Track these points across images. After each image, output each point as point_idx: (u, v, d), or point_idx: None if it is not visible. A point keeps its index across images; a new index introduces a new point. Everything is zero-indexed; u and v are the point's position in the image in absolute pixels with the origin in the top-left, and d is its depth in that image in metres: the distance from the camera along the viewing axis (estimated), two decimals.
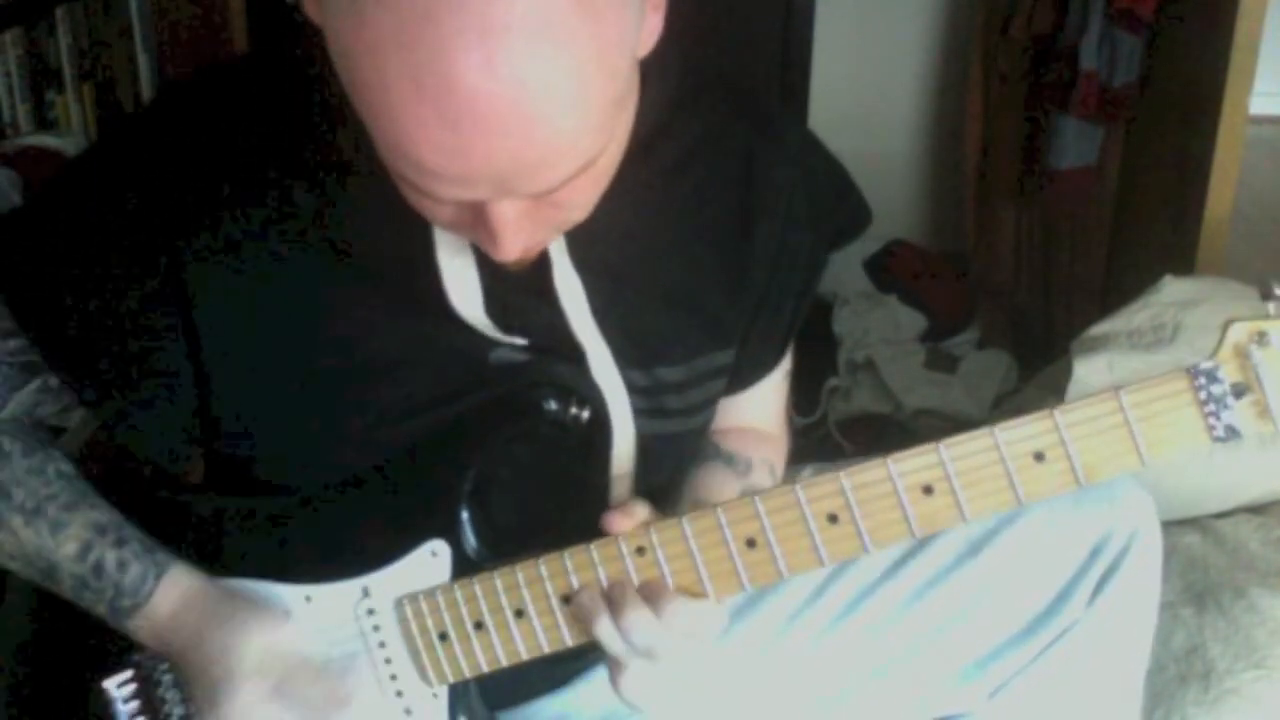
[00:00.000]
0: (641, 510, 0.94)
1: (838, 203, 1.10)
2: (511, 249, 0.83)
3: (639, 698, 0.96)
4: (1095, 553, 1.10)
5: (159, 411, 0.98)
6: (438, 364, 0.97)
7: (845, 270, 2.79)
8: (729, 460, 1.10)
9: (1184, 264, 2.06)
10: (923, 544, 1.12)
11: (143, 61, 2.54)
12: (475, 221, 0.82)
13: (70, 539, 0.99)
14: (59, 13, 2.46)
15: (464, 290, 0.95)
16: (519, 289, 0.96)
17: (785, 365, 1.16)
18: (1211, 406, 0.84)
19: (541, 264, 0.96)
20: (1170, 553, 1.13)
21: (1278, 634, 1.45)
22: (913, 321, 2.70)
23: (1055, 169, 2.43)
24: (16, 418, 1.02)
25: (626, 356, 0.99)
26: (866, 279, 2.80)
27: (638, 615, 0.92)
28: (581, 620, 0.94)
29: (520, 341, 0.97)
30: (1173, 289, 1.78)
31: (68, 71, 2.50)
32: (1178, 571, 1.54)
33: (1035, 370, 2.15)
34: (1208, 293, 1.75)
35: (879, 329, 2.65)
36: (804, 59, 2.46)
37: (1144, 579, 1.11)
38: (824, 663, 1.14)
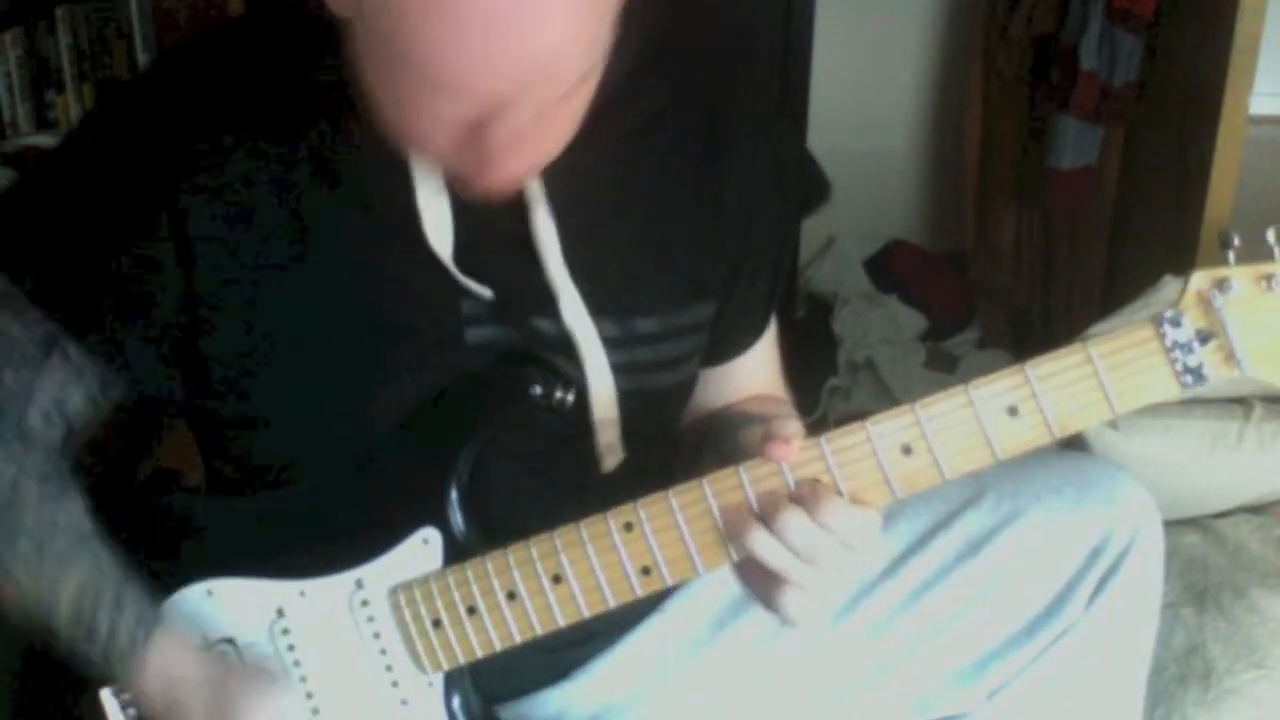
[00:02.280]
0: (795, 427, 0.93)
1: (801, 170, 1.13)
2: (506, 174, 0.87)
3: (803, 615, 0.93)
4: (1095, 554, 1.09)
5: (154, 348, 0.98)
6: (411, 309, 0.98)
7: (845, 270, 2.80)
8: (764, 422, 1.10)
9: (1184, 264, 2.05)
10: (921, 543, 1.12)
11: (143, 61, 2.54)
12: (473, 145, 0.86)
13: (63, 600, 0.98)
14: (59, 13, 2.46)
15: (438, 230, 0.96)
16: (492, 234, 0.98)
17: (772, 330, 1.16)
18: (1177, 353, 0.86)
19: (517, 209, 0.97)
20: (1170, 553, 1.13)
21: (1278, 634, 1.45)
22: (913, 321, 2.71)
23: (1055, 169, 2.43)
24: (47, 415, 1.00)
25: (599, 306, 1.00)
26: (866, 279, 2.80)
27: (792, 516, 0.89)
28: (735, 539, 0.92)
29: (487, 293, 0.97)
30: (1173, 289, 1.77)
31: (68, 71, 2.50)
32: (1178, 571, 1.54)
33: None
34: None
35: (879, 329, 2.65)
36: (804, 59, 2.45)
37: (1145, 580, 1.11)
38: (822, 663, 1.14)
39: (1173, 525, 1.60)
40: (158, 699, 1.00)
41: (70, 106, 2.52)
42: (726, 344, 1.12)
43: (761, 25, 2.43)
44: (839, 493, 0.91)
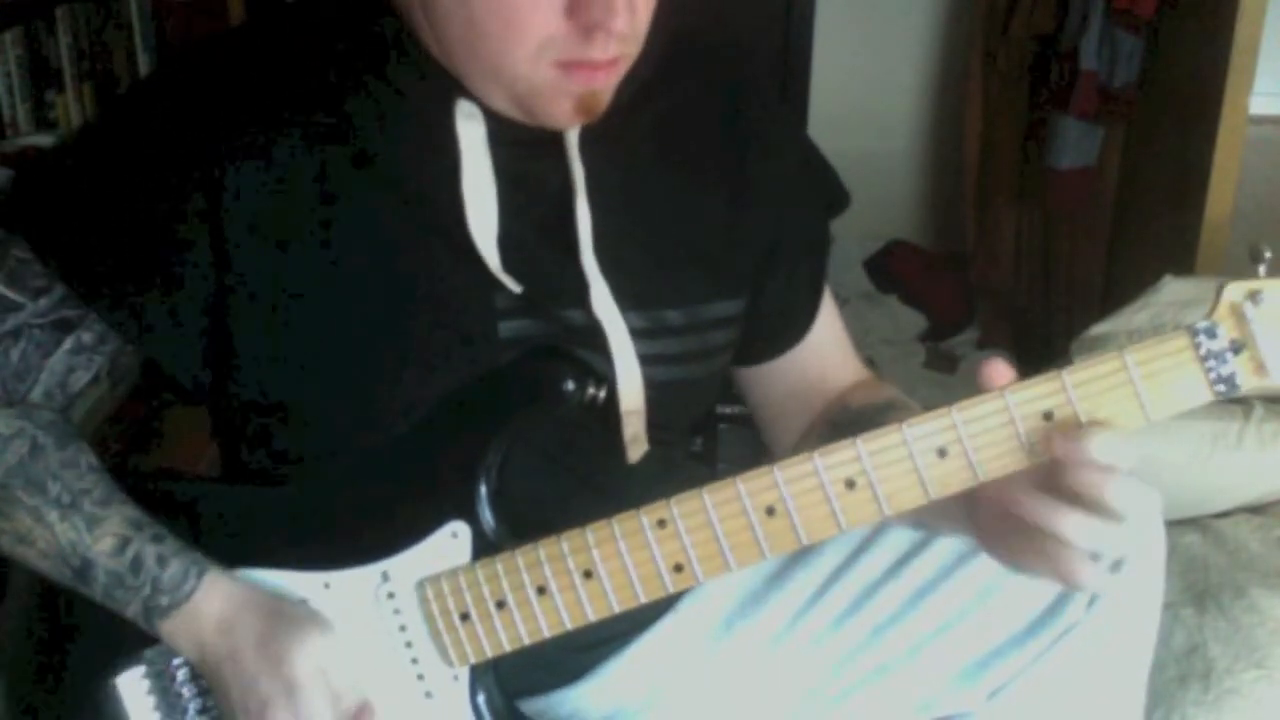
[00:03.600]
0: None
1: (825, 171, 1.15)
2: (624, 4, 0.88)
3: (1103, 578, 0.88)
4: (1097, 553, 1.09)
5: (186, 332, 0.98)
6: (446, 302, 0.98)
7: (845, 270, 2.80)
8: (892, 405, 1.10)
9: (1184, 264, 2.07)
10: (924, 543, 1.12)
11: (143, 61, 2.54)
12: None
13: (107, 534, 0.98)
14: (59, 13, 2.47)
15: (482, 220, 0.96)
16: (530, 224, 0.98)
17: (829, 307, 1.17)
18: (1211, 362, 0.86)
19: (559, 197, 0.98)
20: (1170, 553, 1.13)
21: (1278, 634, 1.45)
22: (913, 321, 2.71)
23: (1055, 169, 2.43)
24: (50, 393, 1.02)
25: (628, 297, 1.00)
26: (866, 279, 2.81)
27: (1110, 483, 0.84)
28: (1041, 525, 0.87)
29: (517, 288, 0.97)
30: (1173, 289, 1.78)
31: (68, 71, 2.50)
32: (1178, 571, 1.55)
33: (1035, 370, 2.15)
34: (1208, 293, 1.75)
35: (879, 329, 2.65)
36: (804, 59, 2.46)
37: (1147, 580, 1.10)
38: (825, 663, 1.14)
39: (1173, 525, 1.61)
40: (206, 642, 0.99)
41: (70, 106, 2.52)
42: (777, 335, 1.13)
43: (761, 25, 2.44)
44: (874, 496, 0.90)
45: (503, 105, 0.95)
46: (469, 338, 0.98)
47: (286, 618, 0.98)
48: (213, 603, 0.98)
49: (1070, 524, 0.86)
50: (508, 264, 0.97)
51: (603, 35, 0.88)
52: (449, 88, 0.96)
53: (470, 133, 0.96)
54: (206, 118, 0.95)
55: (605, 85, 0.93)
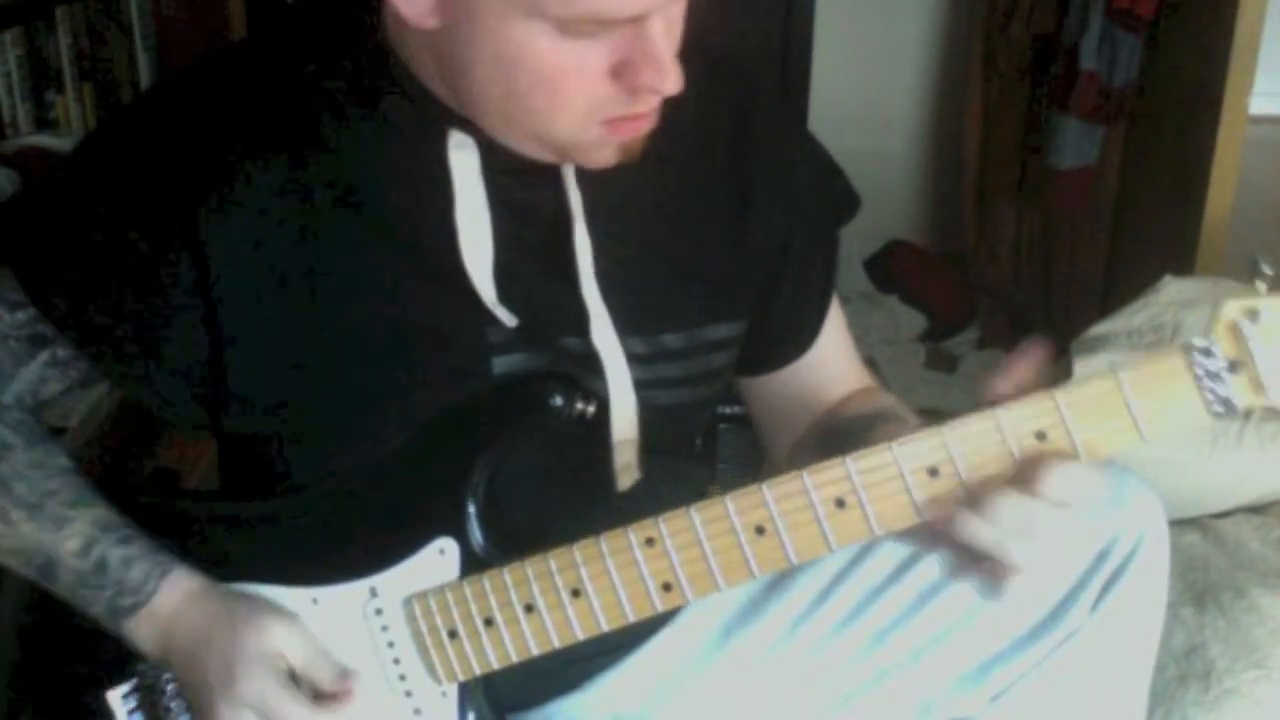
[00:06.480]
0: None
1: (834, 179, 1.13)
2: (673, 65, 0.87)
3: (1025, 591, 0.88)
4: (1101, 557, 1.07)
5: (174, 372, 0.98)
6: (438, 340, 0.97)
7: (845, 270, 2.80)
8: (882, 415, 1.08)
9: (1184, 264, 2.07)
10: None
11: (143, 61, 2.54)
12: (628, 64, 0.86)
13: (73, 535, 0.99)
14: (59, 13, 2.47)
15: (477, 252, 0.95)
16: (527, 253, 0.97)
17: (836, 317, 1.16)
18: (1208, 382, 0.85)
19: (556, 226, 0.97)
20: (1170, 553, 1.12)
21: (1278, 634, 1.45)
22: (913, 321, 2.71)
23: (1055, 169, 2.43)
24: (20, 398, 1.02)
25: (628, 323, 0.99)
26: (866, 279, 2.81)
27: (1002, 496, 0.85)
28: (942, 529, 0.88)
29: (513, 321, 0.97)
30: (1173, 289, 1.78)
31: (68, 71, 2.50)
32: (1178, 571, 1.54)
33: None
34: (1208, 293, 1.75)
35: (879, 329, 2.65)
36: (804, 59, 2.46)
37: (1150, 585, 1.10)
38: (827, 667, 1.14)
39: (1173, 525, 1.60)
40: (166, 643, 0.99)
41: (70, 106, 2.52)
42: (782, 347, 1.12)
43: (761, 25, 2.44)
44: (864, 516, 0.89)
45: (533, 153, 0.94)
46: (461, 374, 0.97)
47: (243, 606, 0.98)
48: (171, 602, 0.98)
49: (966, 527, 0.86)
50: (504, 295, 0.96)
51: (651, 94, 0.88)
52: (440, 119, 0.94)
53: (463, 163, 0.95)
54: (188, 158, 0.94)
55: (648, 130, 0.93)
